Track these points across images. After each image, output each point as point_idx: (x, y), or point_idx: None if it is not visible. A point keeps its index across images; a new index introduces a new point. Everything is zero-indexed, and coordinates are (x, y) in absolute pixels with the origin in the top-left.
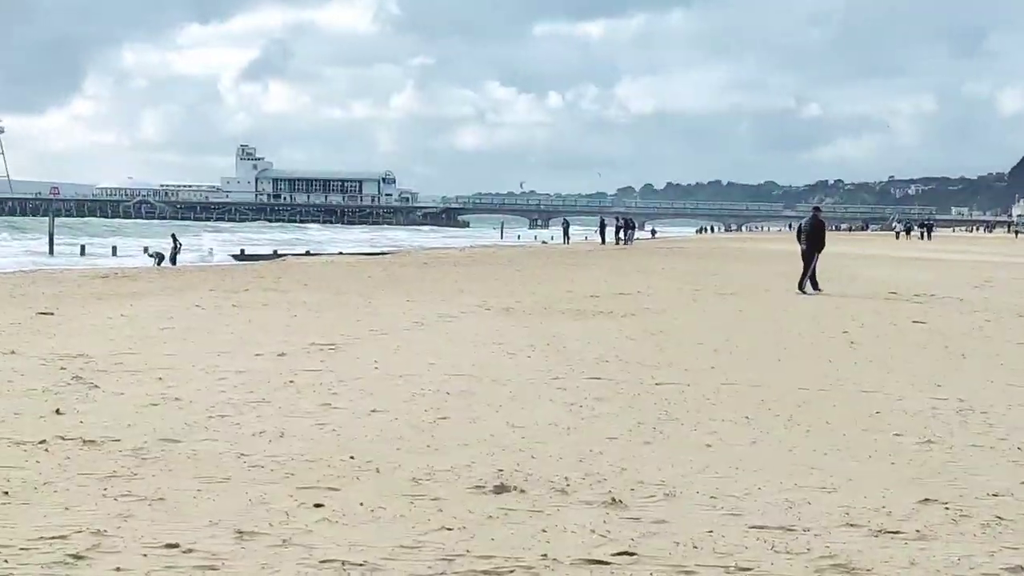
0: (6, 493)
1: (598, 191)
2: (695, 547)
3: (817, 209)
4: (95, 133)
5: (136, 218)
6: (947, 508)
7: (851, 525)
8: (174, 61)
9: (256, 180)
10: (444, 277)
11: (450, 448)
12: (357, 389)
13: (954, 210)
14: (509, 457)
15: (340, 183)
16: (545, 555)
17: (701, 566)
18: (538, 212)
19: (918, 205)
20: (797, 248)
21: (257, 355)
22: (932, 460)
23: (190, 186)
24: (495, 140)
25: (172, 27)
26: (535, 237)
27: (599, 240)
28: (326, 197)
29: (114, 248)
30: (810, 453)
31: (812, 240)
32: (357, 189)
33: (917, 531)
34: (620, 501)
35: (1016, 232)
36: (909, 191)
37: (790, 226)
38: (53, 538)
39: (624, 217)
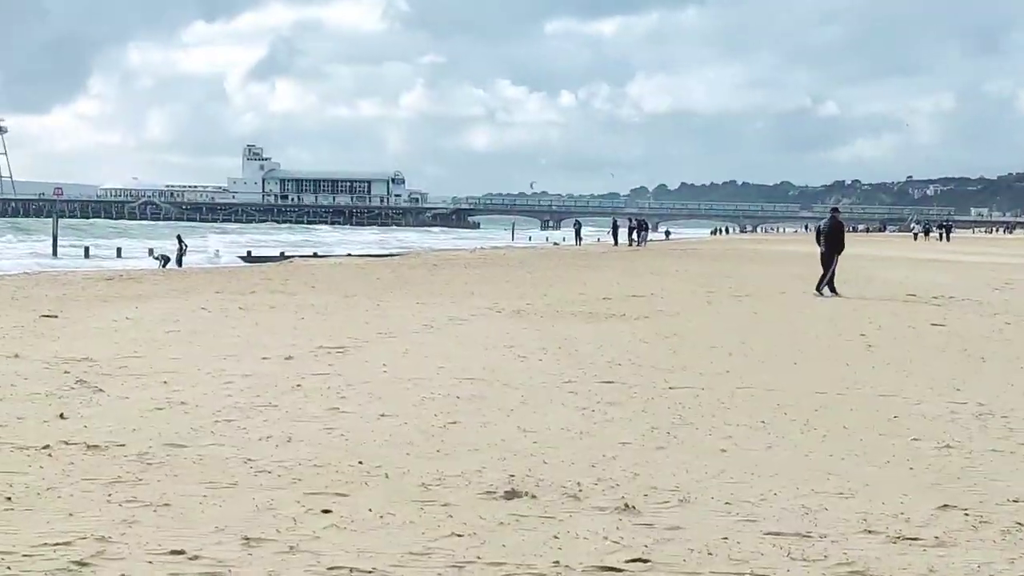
0: (9, 499)
1: (611, 191)
2: (710, 554)
3: (835, 210)
4: (100, 133)
5: (141, 219)
6: (966, 514)
7: (869, 531)
8: (180, 60)
9: (263, 181)
10: (454, 279)
11: (460, 453)
12: (365, 393)
13: (973, 211)
14: (520, 462)
15: (348, 183)
16: (557, 562)
17: (716, 573)
18: (550, 213)
19: (937, 206)
20: (813, 250)
21: (264, 358)
22: (951, 465)
23: (196, 187)
24: (506, 140)
25: (178, 25)
26: (547, 238)
27: (612, 241)
28: (334, 198)
29: (119, 250)
30: (827, 458)
31: (831, 242)
32: (366, 190)
33: (936, 538)
34: (633, 507)
35: None
36: (928, 191)
37: (806, 227)
38: (57, 544)
39: (637, 218)
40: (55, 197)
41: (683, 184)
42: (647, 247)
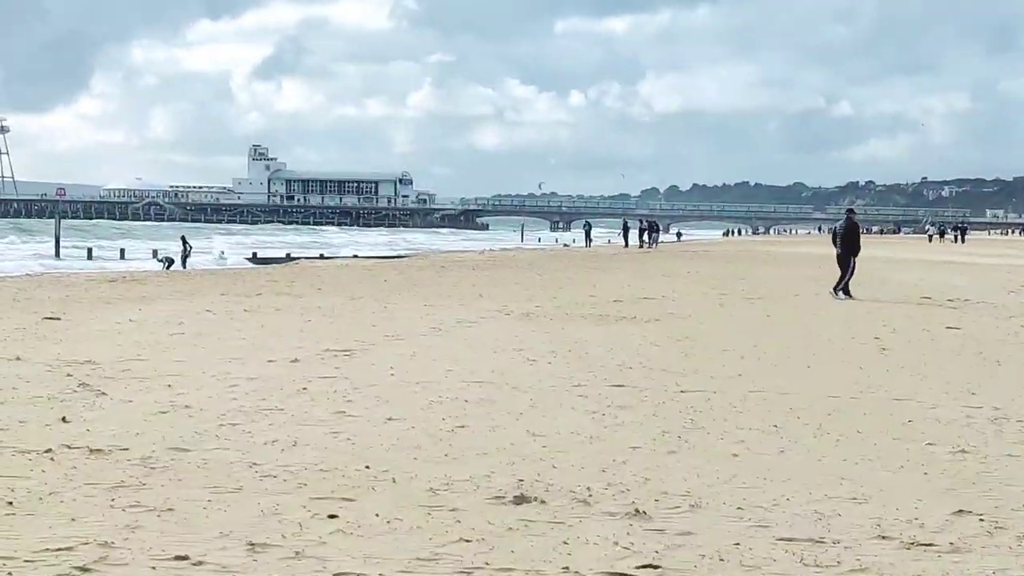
0: (11, 504)
1: (621, 192)
2: (721, 560)
3: (851, 211)
4: (102, 133)
5: (145, 220)
6: (982, 520)
7: (882, 537)
8: (184, 58)
9: (269, 181)
10: (462, 281)
11: (469, 457)
12: (372, 396)
13: (989, 212)
14: (529, 467)
15: (355, 184)
16: (567, 568)
17: None
18: (559, 214)
19: (952, 207)
20: (827, 252)
21: (269, 361)
22: (966, 470)
23: (201, 187)
24: (515, 140)
25: (182, 23)
26: (556, 240)
27: (622, 243)
28: (341, 199)
29: (122, 251)
30: (840, 463)
31: (847, 243)
32: (373, 190)
33: (951, 544)
34: (644, 512)
35: None
36: (942, 193)
37: (820, 229)
38: (59, 550)
39: (648, 219)
40: (58, 198)
41: (695, 185)
42: (658, 249)
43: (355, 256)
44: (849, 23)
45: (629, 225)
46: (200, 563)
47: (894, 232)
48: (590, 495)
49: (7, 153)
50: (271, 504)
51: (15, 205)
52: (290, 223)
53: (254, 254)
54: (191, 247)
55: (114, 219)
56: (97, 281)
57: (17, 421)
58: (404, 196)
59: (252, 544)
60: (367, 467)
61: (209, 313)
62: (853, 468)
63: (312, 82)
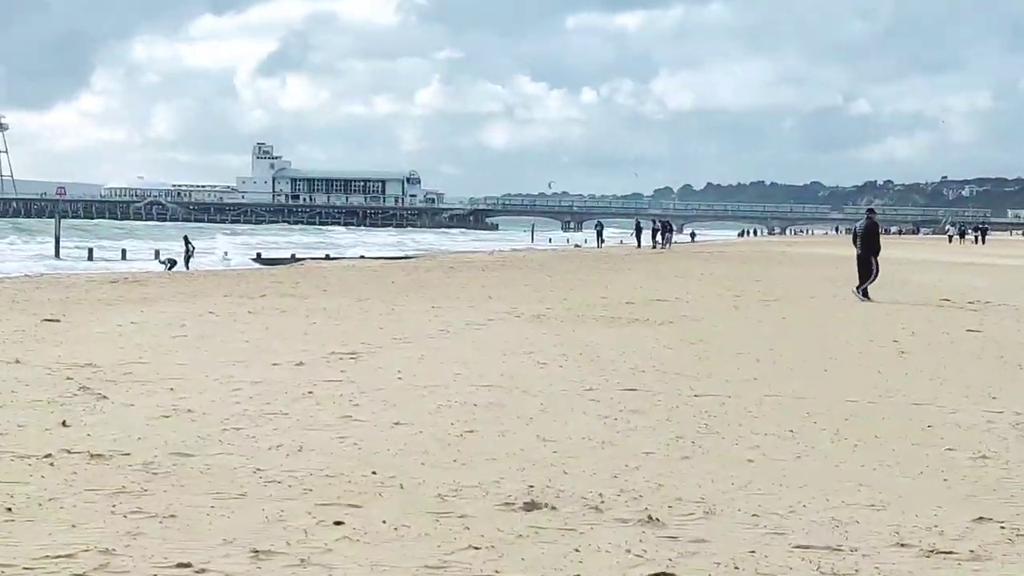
0: (9, 510)
1: (634, 192)
2: (736, 568)
3: (871, 211)
4: (104, 130)
5: (147, 220)
6: (1003, 527)
7: (901, 545)
8: (187, 54)
9: (273, 180)
10: (471, 282)
11: (478, 463)
12: (379, 400)
13: (1010, 212)
14: (540, 472)
15: (362, 183)
16: None
17: None
18: (570, 214)
19: (972, 207)
20: (844, 252)
21: (274, 364)
22: (987, 476)
23: (204, 186)
24: (525, 138)
25: (185, 18)
26: (567, 240)
27: (635, 244)
28: (347, 198)
29: (124, 251)
30: (858, 469)
31: (867, 243)
32: (380, 189)
33: (971, 551)
34: (657, 519)
35: None
36: (963, 192)
37: (837, 229)
38: (59, 557)
39: (661, 219)
40: (58, 197)
41: (709, 184)
42: (671, 249)
43: (362, 257)
44: (868, 19)
45: (642, 225)
46: (203, 571)
47: (913, 233)
48: (602, 501)
49: (6, 151)
50: (275, 510)
51: (14, 204)
52: (295, 223)
53: (258, 254)
54: (194, 247)
55: (115, 219)
56: (98, 282)
57: (16, 425)
58: (412, 195)
59: (256, 551)
60: (374, 473)
61: (212, 315)
62: (871, 474)
63: (318, 79)
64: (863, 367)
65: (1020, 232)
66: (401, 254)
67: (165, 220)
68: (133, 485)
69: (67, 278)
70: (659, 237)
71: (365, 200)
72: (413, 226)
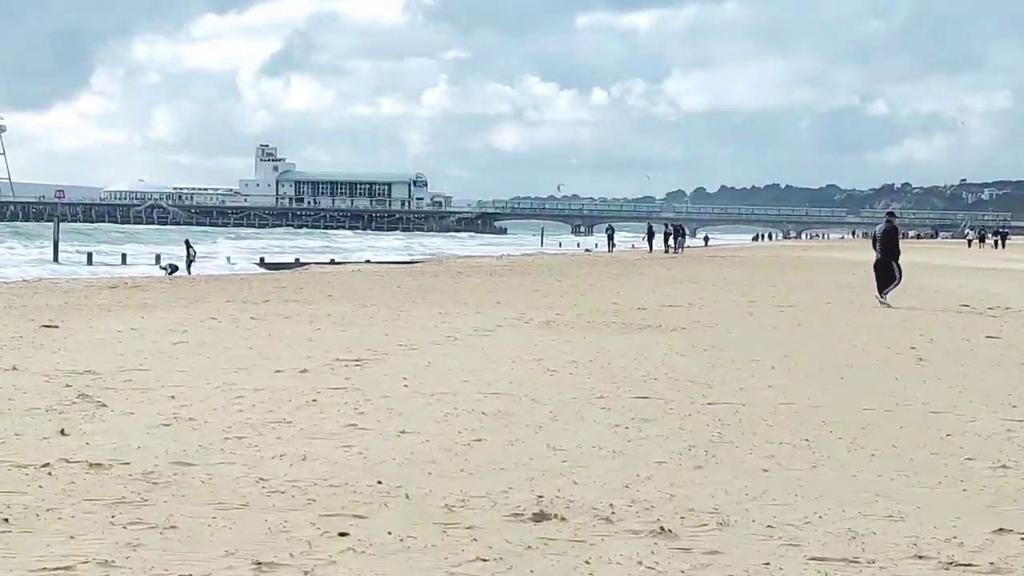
0: (6, 520)
1: (646, 195)
2: None
3: (891, 215)
4: (104, 132)
5: (148, 223)
6: (1023, 539)
7: (919, 557)
8: (189, 54)
9: (277, 183)
10: (479, 287)
11: (486, 472)
12: (385, 408)
13: None
14: (549, 482)
15: (368, 186)
16: None
17: None
18: (581, 217)
19: (992, 211)
20: (860, 257)
21: (277, 372)
22: (1007, 487)
23: (206, 189)
24: (535, 140)
25: (187, 18)
26: (578, 244)
27: (646, 248)
28: (352, 201)
29: (124, 256)
30: (875, 479)
31: (886, 247)
32: (386, 192)
33: (991, 563)
34: (669, 530)
35: None
36: (982, 196)
37: (853, 233)
38: (57, 569)
39: (674, 223)
40: (56, 200)
41: (722, 187)
42: (684, 254)
43: (367, 261)
44: (885, 18)
45: (654, 229)
46: None
47: (931, 237)
48: (613, 512)
49: (4, 153)
50: (279, 521)
51: (12, 208)
52: (300, 226)
53: (262, 259)
54: (195, 251)
55: (115, 222)
56: (97, 287)
57: (13, 434)
58: (418, 198)
59: (259, 563)
60: (379, 482)
61: (214, 321)
62: (889, 484)
63: (323, 79)
64: (880, 374)
65: None
66: (408, 258)
67: (166, 224)
68: (133, 495)
69: (66, 283)
70: (671, 241)
71: (371, 203)
72: (420, 230)
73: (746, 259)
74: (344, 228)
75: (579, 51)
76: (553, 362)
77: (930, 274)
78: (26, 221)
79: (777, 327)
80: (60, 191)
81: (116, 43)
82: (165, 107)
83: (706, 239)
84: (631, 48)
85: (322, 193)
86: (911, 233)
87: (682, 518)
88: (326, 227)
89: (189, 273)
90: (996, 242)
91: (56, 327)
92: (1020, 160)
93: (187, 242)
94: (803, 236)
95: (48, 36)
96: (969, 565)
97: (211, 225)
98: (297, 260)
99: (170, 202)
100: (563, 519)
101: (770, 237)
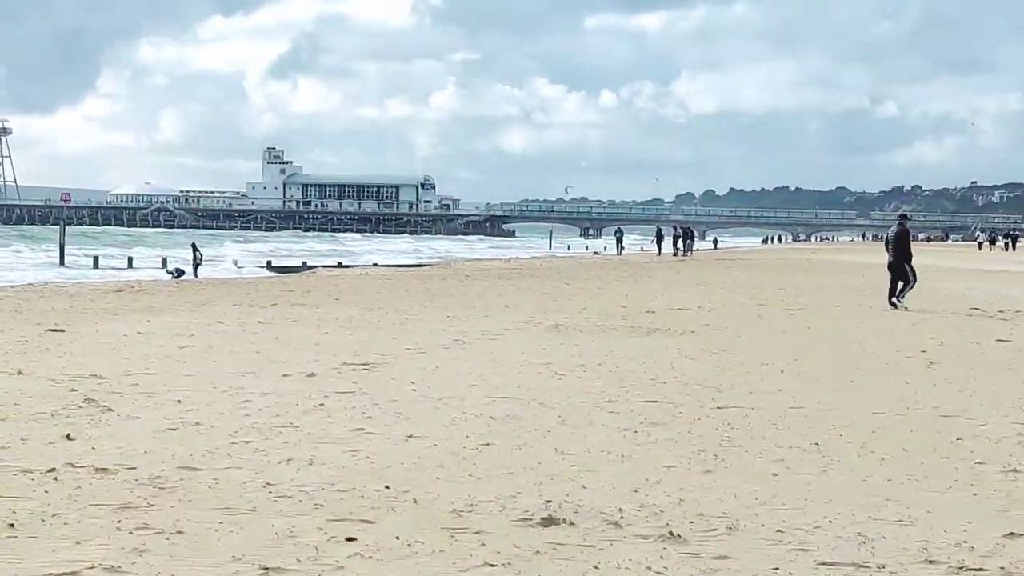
0: (12, 526)
1: (655, 197)
2: None
3: (903, 217)
4: (110, 135)
5: (154, 227)
6: None
7: (930, 561)
8: (195, 56)
9: (284, 185)
10: (487, 291)
11: (494, 477)
12: (392, 413)
13: None
14: (558, 487)
15: (375, 189)
16: None
17: None
18: (589, 220)
19: (1003, 213)
20: (870, 260)
21: (284, 376)
22: (1018, 491)
23: (212, 192)
24: (543, 142)
25: (193, 20)
26: (586, 247)
27: (655, 251)
28: (360, 204)
29: (130, 259)
30: (885, 483)
31: (897, 250)
32: (393, 195)
33: (1002, 568)
34: (678, 535)
35: None
36: (993, 198)
37: (863, 235)
38: (62, 574)
39: (683, 226)
40: (62, 203)
41: (732, 189)
42: (693, 257)
43: (375, 265)
44: (895, 19)
45: (663, 232)
46: None
47: (942, 239)
48: (622, 517)
49: (9, 156)
50: (286, 526)
51: (17, 211)
52: (307, 230)
53: (268, 262)
54: (202, 255)
55: (122, 225)
56: (103, 291)
57: (19, 438)
58: (426, 201)
59: (266, 568)
60: (387, 487)
61: (221, 325)
62: (899, 488)
63: (330, 81)
64: (890, 378)
65: None
66: (416, 262)
67: (173, 227)
68: (139, 500)
69: (72, 287)
70: (680, 244)
71: (378, 206)
72: (428, 233)
73: (755, 262)
74: (352, 231)
75: (587, 53)
76: (561, 366)
77: (940, 277)
78: (32, 224)
79: (787, 330)
80: (66, 194)
81: (122, 45)
82: (171, 109)
83: (715, 242)
84: (640, 50)
85: (329, 196)
86: (921, 236)
87: (691, 523)
88: (333, 230)
89: (196, 276)
90: (1007, 244)
91: (62, 331)
92: None
93: (194, 245)
94: (813, 239)
95: (53, 38)
96: (980, 570)
97: (218, 228)
98: (304, 263)
99: (176, 205)
100: (572, 524)
101: (780, 240)
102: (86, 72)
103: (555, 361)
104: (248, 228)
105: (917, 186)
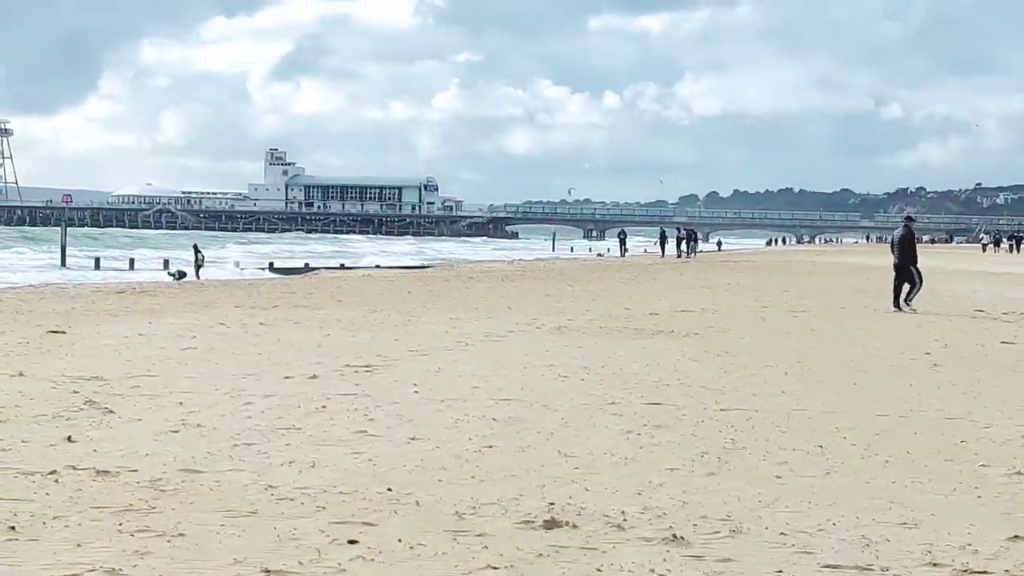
0: (13, 528)
1: (658, 199)
2: None
3: (909, 219)
4: (112, 136)
5: (156, 228)
6: None
7: (934, 564)
8: (198, 57)
9: (286, 187)
10: (490, 292)
11: (497, 479)
12: (395, 415)
13: None
14: (561, 489)
15: (378, 190)
16: None
17: None
18: (593, 222)
19: (1007, 215)
20: (874, 262)
21: (286, 378)
22: (1022, 493)
23: (215, 194)
24: (547, 143)
25: (196, 20)
26: (590, 249)
27: (659, 252)
28: (362, 206)
29: (132, 261)
30: (889, 485)
31: (903, 252)
32: (396, 197)
33: (1006, 571)
34: (682, 538)
35: None
36: (997, 200)
37: (868, 237)
38: None
39: (687, 227)
40: (63, 204)
41: (736, 191)
42: (697, 259)
43: (377, 266)
44: (899, 20)
45: (666, 234)
46: None
47: (946, 241)
48: (625, 519)
49: (10, 157)
50: (288, 529)
51: (19, 212)
52: (310, 231)
53: (271, 264)
54: (204, 256)
55: (123, 226)
56: (104, 293)
57: (20, 441)
58: (429, 203)
59: (268, 571)
60: (389, 490)
61: (223, 326)
62: (903, 491)
63: (333, 83)
64: (894, 380)
65: None
66: (418, 263)
67: (175, 228)
68: (140, 502)
69: (73, 288)
70: (684, 246)
71: (381, 208)
72: (431, 234)
73: (759, 264)
74: (354, 233)
75: (591, 54)
76: (564, 368)
77: (945, 279)
78: (33, 226)
79: (790, 332)
80: (67, 195)
81: (124, 46)
82: (174, 110)
83: (719, 244)
84: (643, 51)
85: (332, 197)
86: (925, 238)
87: (694, 525)
88: (336, 232)
89: (198, 278)
90: (1011, 247)
91: (63, 332)
92: None
93: (196, 247)
94: (817, 240)
95: (55, 39)
96: (984, 572)
97: (220, 230)
98: (307, 265)
99: (179, 206)
100: (574, 526)
101: (784, 242)
102: (88, 73)
103: (558, 363)
104: (250, 229)
105: (922, 188)
